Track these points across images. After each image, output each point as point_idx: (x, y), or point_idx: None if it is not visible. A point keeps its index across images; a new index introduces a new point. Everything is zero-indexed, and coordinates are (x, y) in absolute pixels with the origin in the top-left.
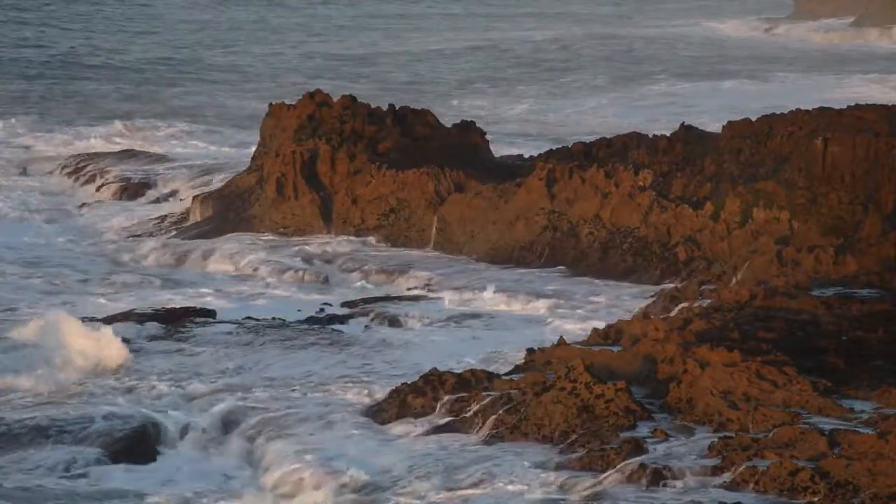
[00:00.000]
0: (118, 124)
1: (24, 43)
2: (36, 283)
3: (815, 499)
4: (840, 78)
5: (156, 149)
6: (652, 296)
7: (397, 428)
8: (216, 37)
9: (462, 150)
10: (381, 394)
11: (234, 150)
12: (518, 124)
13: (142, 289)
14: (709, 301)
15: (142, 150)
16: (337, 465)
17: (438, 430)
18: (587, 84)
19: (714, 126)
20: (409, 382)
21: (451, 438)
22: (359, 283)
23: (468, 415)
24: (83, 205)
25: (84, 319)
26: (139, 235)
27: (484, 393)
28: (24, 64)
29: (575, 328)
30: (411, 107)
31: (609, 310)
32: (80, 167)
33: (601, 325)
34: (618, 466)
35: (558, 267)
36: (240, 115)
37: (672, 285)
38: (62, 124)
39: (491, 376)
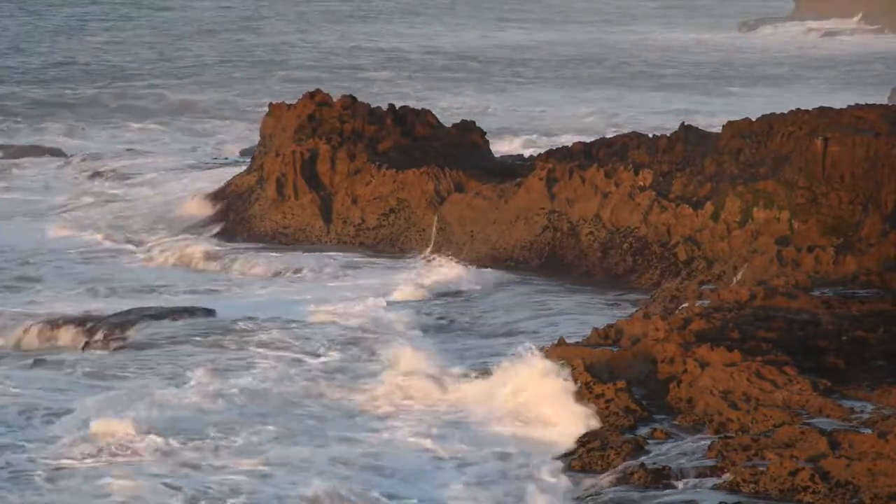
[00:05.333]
0: None
1: None
2: None
3: (815, 499)
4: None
5: None
6: (652, 296)
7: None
8: None
9: (462, 150)
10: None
11: None
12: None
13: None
14: (709, 301)
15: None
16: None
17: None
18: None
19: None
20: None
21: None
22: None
23: None
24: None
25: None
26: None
27: None
28: None
29: (575, 328)
30: (411, 106)
31: (608, 310)
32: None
33: (601, 325)
34: (618, 466)
35: (558, 267)
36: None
37: (672, 285)
38: None
39: None
